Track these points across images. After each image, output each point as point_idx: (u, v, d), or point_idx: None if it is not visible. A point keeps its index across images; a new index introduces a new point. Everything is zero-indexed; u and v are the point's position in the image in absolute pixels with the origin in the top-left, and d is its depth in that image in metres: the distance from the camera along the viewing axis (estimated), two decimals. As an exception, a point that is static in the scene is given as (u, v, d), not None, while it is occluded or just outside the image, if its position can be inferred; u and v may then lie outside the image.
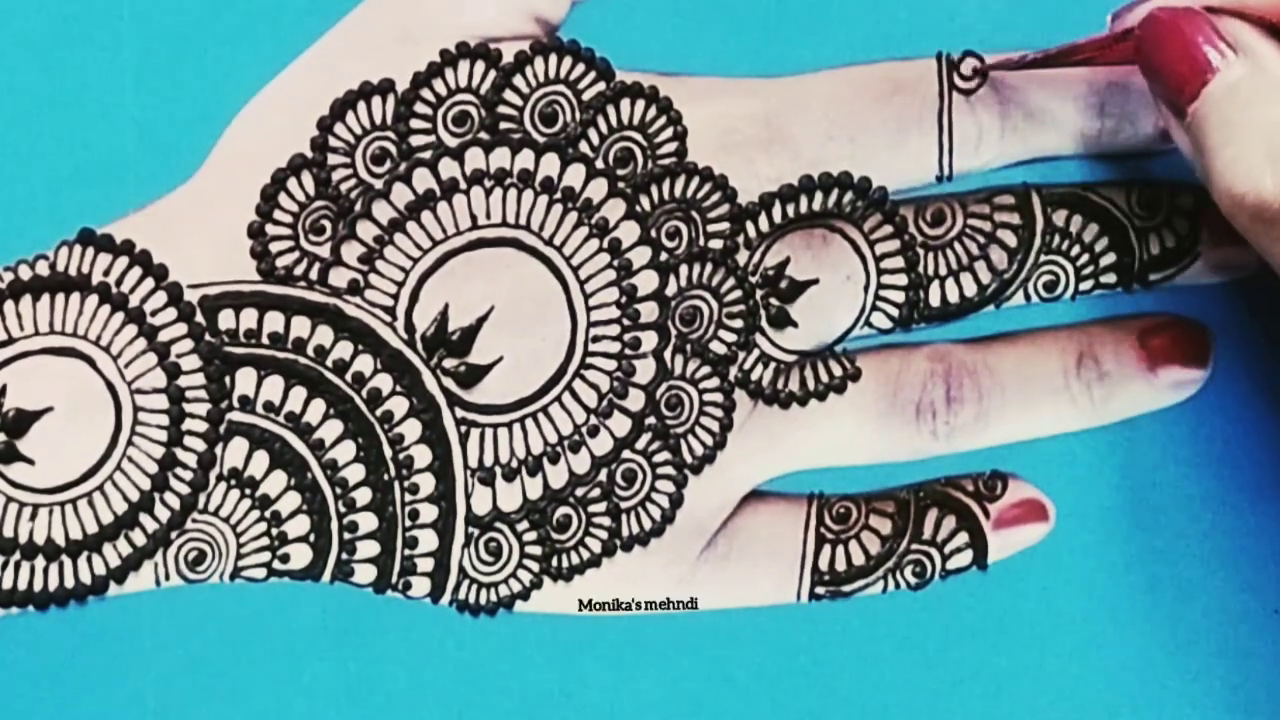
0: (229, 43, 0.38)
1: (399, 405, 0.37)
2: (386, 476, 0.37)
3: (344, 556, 0.37)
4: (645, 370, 0.38)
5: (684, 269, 0.38)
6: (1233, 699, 0.42)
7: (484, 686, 0.40)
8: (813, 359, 0.39)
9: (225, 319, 0.37)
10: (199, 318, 0.36)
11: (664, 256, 0.38)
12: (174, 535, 0.36)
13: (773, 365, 0.39)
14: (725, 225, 0.38)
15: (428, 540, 0.37)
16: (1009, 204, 0.39)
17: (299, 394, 0.37)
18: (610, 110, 0.37)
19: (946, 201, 0.39)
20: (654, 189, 0.38)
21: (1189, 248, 0.40)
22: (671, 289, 0.38)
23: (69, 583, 0.36)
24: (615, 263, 0.37)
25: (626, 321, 0.38)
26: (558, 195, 0.37)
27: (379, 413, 0.37)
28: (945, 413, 0.39)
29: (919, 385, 0.39)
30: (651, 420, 0.38)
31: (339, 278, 0.37)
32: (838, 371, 0.39)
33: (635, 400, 0.38)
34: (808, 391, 0.39)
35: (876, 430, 0.39)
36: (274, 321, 0.37)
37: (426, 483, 0.37)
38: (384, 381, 0.37)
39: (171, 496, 0.36)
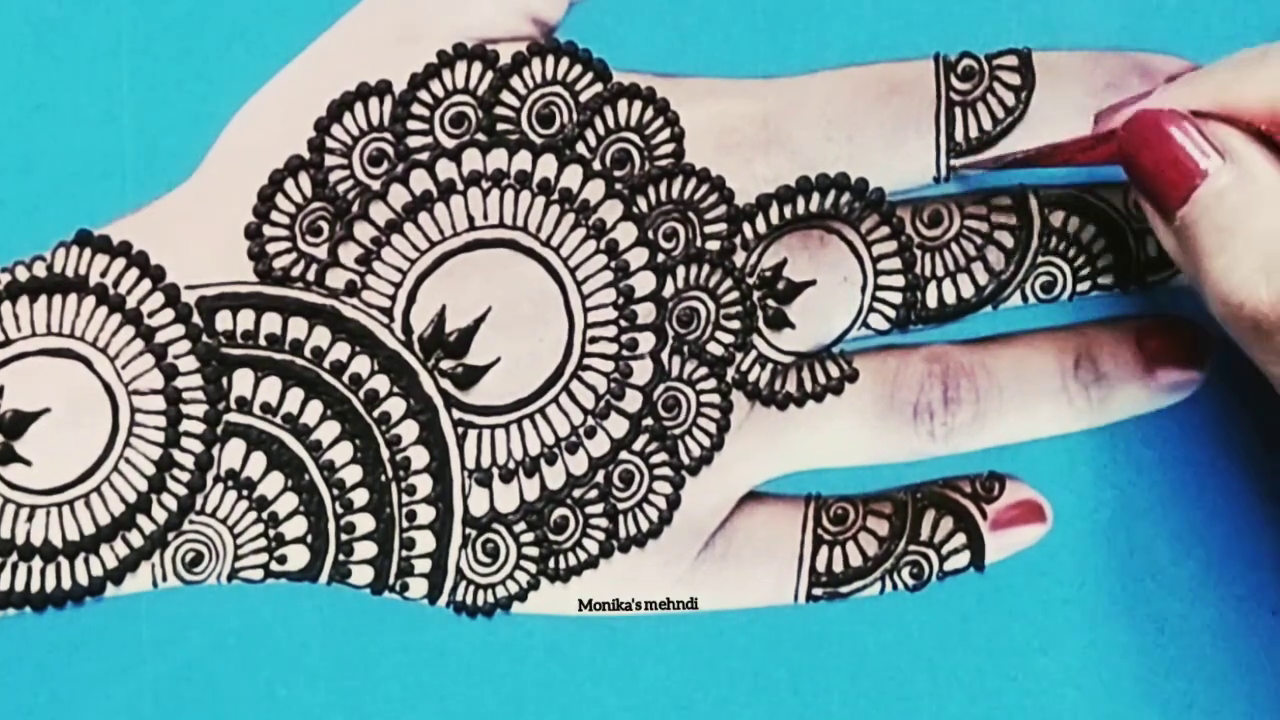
0: (226, 43, 0.38)
1: (396, 406, 0.37)
2: (384, 477, 0.37)
3: (341, 557, 0.37)
4: (643, 371, 0.38)
5: (681, 270, 0.38)
6: (1232, 699, 0.42)
7: (482, 687, 0.40)
8: (810, 360, 0.39)
9: (222, 320, 0.37)
10: (196, 319, 0.36)
11: (661, 258, 0.38)
12: (171, 537, 0.37)
13: (770, 366, 0.39)
14: (723, 226, 0.38)
15: (425, 541, 0.37)
16: (1006, 205, 0.39)
17: (296, 395, 0.37)
18: (607, 111, 0.37)
19: (944, 202, 0.39)
20: (651, 190, 0.38)
21: (1187, 248, 0.40)
22: (669, 290, 0.38)
23: (66, 584, 0.36)
24: (612, 264, 0.37)
25: (624, 323, 0.38)
26: (555, 196, 0.37)
27: (376, 414, 0.37)
28: (943, 414, 0.39)
29: (916, 386, 0.39)
30: (649, 421, 0.38)
31: (336, 279, 0.37)
32: (835, 373, 0.39)
33: (633, 401, 0.38)
34: (805, 393, 0.39)
35: (874, 431, 0.39)
36: (271, 322, 0.37)
37: (424, 484, 0.37)
38: (381, 382, 0.37)
39: (169, 498, 0.36)
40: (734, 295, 0.38)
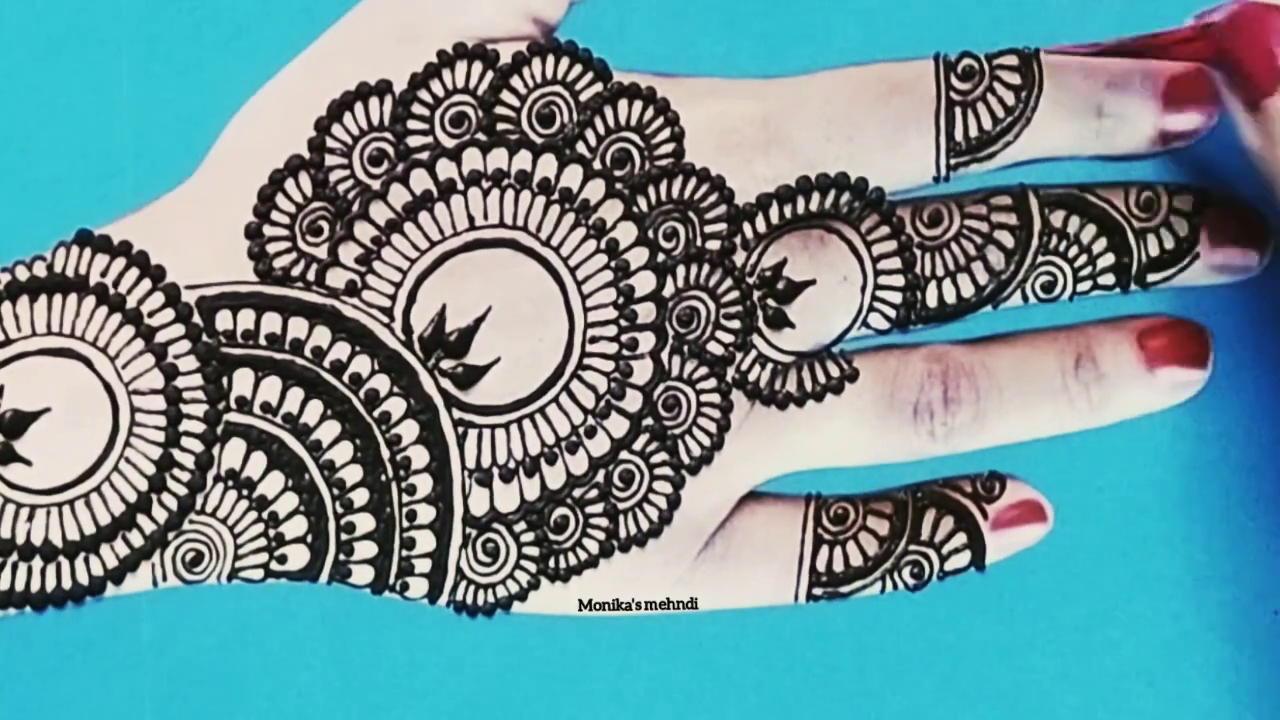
0: (226, 43, 0.38)
1: (396, 406, 0.37)
2: (384, 477, 0.37)
3: (341, 557, 0.37)
4: (643, 371, 0.38)
5: (681, 270, 0.38)
6: (1233, 699, 0.42)
7: (482, 687, 0.40)
8: (810, 360, 0.39)
9: (223, 320, 0.37)
10: (196, 318, 0.36)
11: (661, 257, 0.38)
12: (171, 536, 0.36)
13: (770, 366, 0.39)
14: (723, 226, 0.38)
15: (425, 541, 0.37)
16: (1006, 204, 0.39)
17: (296, 395, 0.37)
18: (608, 111, 0.37)
19: (944, 202, 0.39)
20: (651, 190, 0.38)
21: (1188, 249, 0.40)
22: (669, 290, 0.38)
23: (66, 584, 0.36)
24: (613, 263, 0.37)
25: (624, 322, 0.38)
26: (555, 196, 0.37)
27: (376, 413, 0.37)
28: (943, 413, 0.39)
29: (916, 386, 0.39)
30: (649, 421, 0.38)
31: (336, 278, 0.37)
32: (835, 372, 0.39)
33: (633, 401, 0.38)
34: (805, 392, 0.39)
35: (874, 431, 0.39)
36: (271, 322, 0.37)
37: (424, 484, 0.37)
38: (381, 382, 0.37)
39: (169, 498, 0.36)
40: (734, 295, 0.38)
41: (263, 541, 0.37)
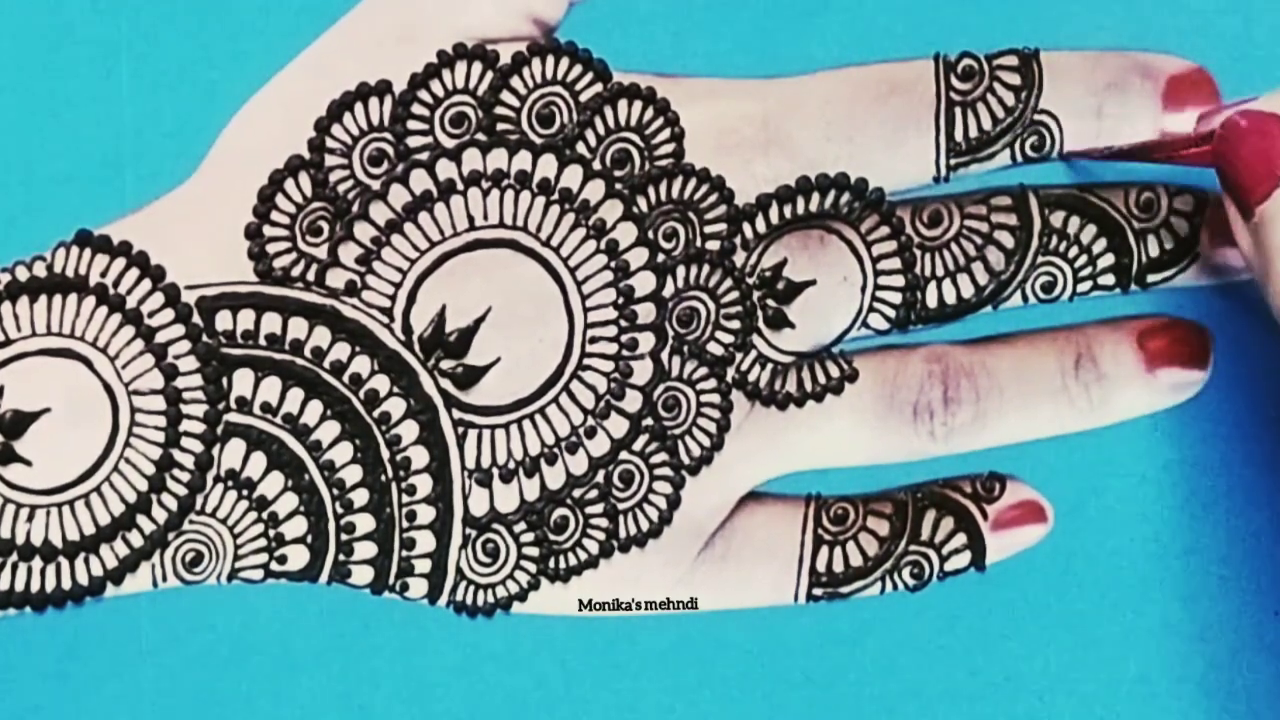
0: (226, 44, 0.38)
1: (396, 406, 0.37)
2: (384, 478, 0.37)
3: (341, 558, 0.37)
4: (643, 371, 0.38)
5: (681, 270, 0.38)
6: (1233, 700, 0.42)
7: (482, 687, 0.40)
8: (810, 360, 0.39)
9: (223, 320, 0.37)
10: (196, 319, 0.36)
11: (661, 258, 0.38)
12: (171, 537, 0.36)
13: (770, 366, 0.39)
14: (723, 226, 0.38)
15: (425, 541, 0.37)
16: (1006, 205, 0.39)
17: (296, 395, 0.37)
18: (607, 111, 0.37)
19: (944, 202, 0.39)
20: (651, 190, 0.38)
21: (1188, 249, 0.40)
22: (669, 290, 0.38)
23: (66, 584, 0.36)
24: (612, 264, 0.37)
25: (624, 323, 0.38)
26: (555, 196, 0.37)
27: (376, 414, 0.37)
28: (943, 414, 0.39)
29: (916, 386, 0.39)
30: (649, 421, 0.38)
31: (336, 279, 0.37)
32: (835, 373, 0.39)
33: (632, 401, 0.38)
34: (805, 393, 0.39)
35: (874, 431, 0.39)
36: (271, 322, 0.37)
37: (424, 484, 0.37)
38: (381, 382, 0.37)
39: (169, 498, 0.36)
40: (734, 295, 0.38)
41: (263, 542, 0.37)
